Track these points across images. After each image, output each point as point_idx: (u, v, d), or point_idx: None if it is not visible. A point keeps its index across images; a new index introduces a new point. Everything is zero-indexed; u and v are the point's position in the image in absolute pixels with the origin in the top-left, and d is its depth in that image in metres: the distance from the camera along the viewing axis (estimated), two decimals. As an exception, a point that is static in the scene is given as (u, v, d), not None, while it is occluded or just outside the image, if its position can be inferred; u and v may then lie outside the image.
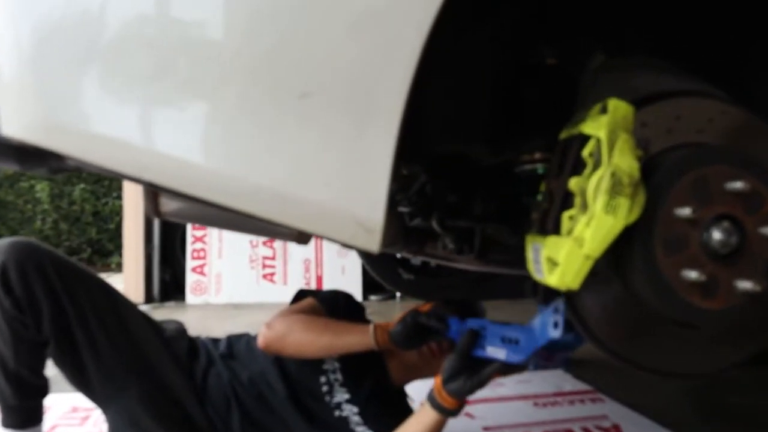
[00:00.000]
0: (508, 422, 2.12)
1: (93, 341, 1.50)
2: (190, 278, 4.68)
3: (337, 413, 1.60)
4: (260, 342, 1.55)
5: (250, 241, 4.71)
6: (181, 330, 1.72)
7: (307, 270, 4.77)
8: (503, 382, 2.66)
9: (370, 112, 0.72)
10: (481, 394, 2.50)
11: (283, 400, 1.58)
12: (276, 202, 0.72)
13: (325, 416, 1.60)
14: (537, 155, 1.17)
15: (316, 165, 0.71)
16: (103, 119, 0.82)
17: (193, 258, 4.69)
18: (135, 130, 0.80)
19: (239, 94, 0.73)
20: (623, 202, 0.82)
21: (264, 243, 4.72)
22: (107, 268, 7.25)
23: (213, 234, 4.69)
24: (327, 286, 4.71)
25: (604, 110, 0.87)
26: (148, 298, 4.66)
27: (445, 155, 1.22)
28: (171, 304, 4.71)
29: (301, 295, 1.76)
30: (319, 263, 4.77)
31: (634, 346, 0.94)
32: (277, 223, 0.76)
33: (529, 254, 0.95)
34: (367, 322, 1.87)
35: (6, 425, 1.52)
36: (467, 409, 2.42)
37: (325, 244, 4.77)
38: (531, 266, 0.95)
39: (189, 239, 4.69)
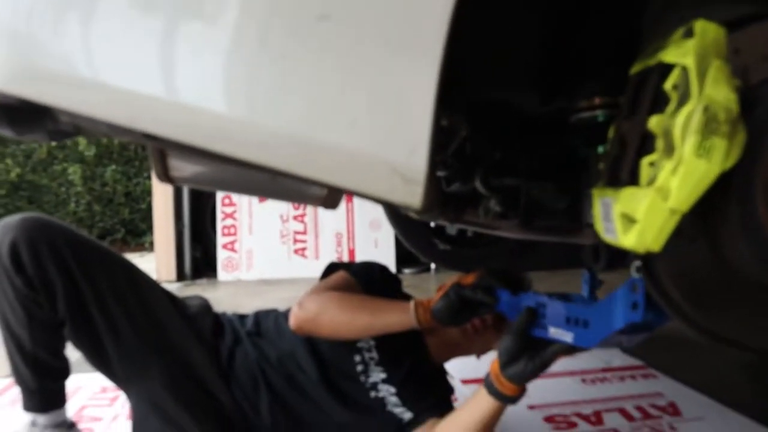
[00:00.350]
0: (555, 400, 1.99)
1: (111, 321, 1.40)
2: (221, 255, 4.62)
3: (373, 394, 1.49)
4: (292, 323, 1.43)
5: (281, 216, 4.61)
6: (205, 306, 1.61)
7: (339, 244, 4.66)
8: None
9: (407, 35, 0.58)
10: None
11: (315, 381, 1.47)
12: (294, 149, 0.59)
13: (360, 397, 1.49)
14: (597, 100, 1.01)
15: (339, 102, 0.58)
16: (89, 62, 0.69)
17: (224, 234, 4.62)
18: (126, 72, 0.67)
19: (243, 20, 0.60)
20: (719, 143, 0.66)
21: (295, 218, 4.63)
22: (141, 248, 7.28)
23: (243, 209, 4.61)
24: (359, 259, 4.59)
25: (689, 34, 0.71)
26: (180, 276, 4.62)
27: (489, 103, 1.07)
28: (203, 281, 4.67)
29: (332, 268, 1.63)
30: (351, 236, 4.66)
31: (727, 322, 0.79)
32: (298, 177, 0.63)
33: (597, 211, 0.80)
34: (405, 297, 1.74)
35: (27, 409, 1.44)
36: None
37: (358, 216, 4.66)
38: (599, 225, 0.80)
39: (219, 215, 4.62)
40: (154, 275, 4.72)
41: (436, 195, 1.70)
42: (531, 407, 1.94)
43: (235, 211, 4.61)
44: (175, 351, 1.45)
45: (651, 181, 0.70)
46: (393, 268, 4.70)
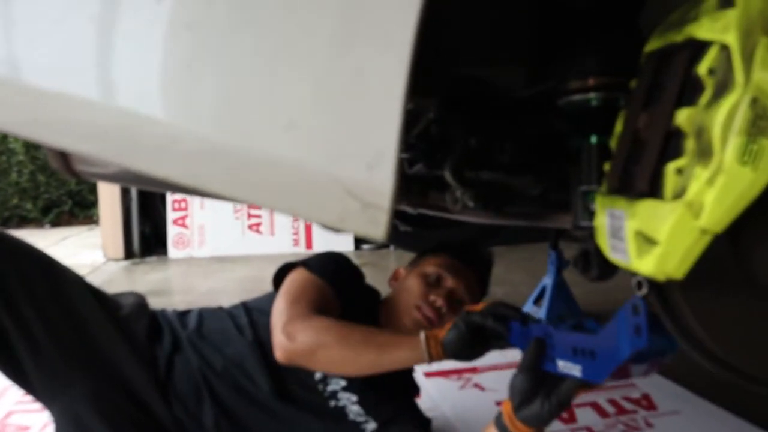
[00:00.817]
0: (525, 393, 1.88)
1: (28, 332, 1.20)
2: (172, 231, 4.38)
3: (332, 403, 1.34)
4: (280, 356, 1.22)
5: (234, 205, 4.40)
6: (140, 306, 1.42)
7: (295, 219, 4.47)
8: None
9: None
10: (490, 359, 2.26)
11: (268, 392, 1.31)
12: (208, 160, 0.41)
13: (318, 408, 1.34)
14: (591, 80, 0.85)
15: (269, 96, 0.40)
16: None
17: (174, 209, 4.38)
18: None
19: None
20: (769, 146, 0.52)
21: (250, 205, 4.42)
22: (90, 221, 6.94)
23: (194, 183, 4.38)
24: (317, 236, 4.42)
25: (727, 2, 0.55)
26: (128, 254, 4.37)
27: (465, 81, 0.90)
28: (152, 258, 4.43)
29: (287, 269, 1.45)
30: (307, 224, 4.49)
31: (759, 359, 0.65)
32: (219, 196, 0.46)
33: (602, 224, 0.65)
34: (370, 290, 1.59)
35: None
36: (475, 378, 2.21)
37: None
38: (604, 241, 0.65)
39: (169, 189, 4.38)
40: (100, 252, 4.48)
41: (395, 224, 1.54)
42: (499, 403, 1.82)
43: (186, 185, 4.37)
44: (104, 362, 1.27)
45: (679, 194, 0.55)
46: (351, 245, 4.57)
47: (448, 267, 1.49)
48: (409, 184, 1.66)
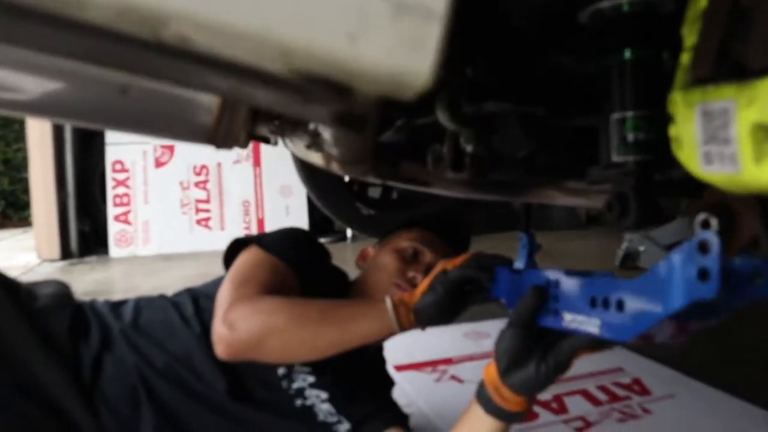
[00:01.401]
0: (507, 384, 1.70)
1: None
2: (114, 228, 4.07)
3: (299, 402, 1.14)
4: (222, 351, 1.01)
5: (181, 183, 4.11)
6: (61, 296, 1.18)
7: (246, 213, 4.22)
8: (490, 333, 2.26)
9: None
10: (466, 349, 2.08)
11: (221, 393, 1.10)
12: None
13: (282, 408, 1.13)
14: (624, -23, 0.68)
15: None
16: None
17: (116, 205, 4.06)
18: None
19: None
20: None
21: (196, 184, 4.14)
22: (25, 223, 6.50)
23: (137, 176, 4.07)
24: (270, 229, 4.17)
25: None
26: (65, 254, 4.03)
27: None
28: (92, 258, 4.10)
29: (238, 246, 1.23)
30: (259, 205, 4.23)
31: None
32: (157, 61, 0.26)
33: (686, 127, 0.47)
34: (337, 270, 1.40)
35: None
36: (451, 370, 2.03)
37: (267, 181, 4.22)
38: (690, 152, 0.46)
39: (109, 183, 4.06)
40: (34, 254, 4.13)
41: (364, 151, 1.35)
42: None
43: (128, 178, 4.06)
44: (9, 361, 1.03)
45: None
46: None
47: (424, 240, 1.31)
48: (381, 152, 1.48)
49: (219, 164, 4.17)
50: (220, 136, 0.65)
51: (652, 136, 0.68)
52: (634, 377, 1.76)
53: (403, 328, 0.97)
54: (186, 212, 4.13)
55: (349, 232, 4.52)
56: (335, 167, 1.55)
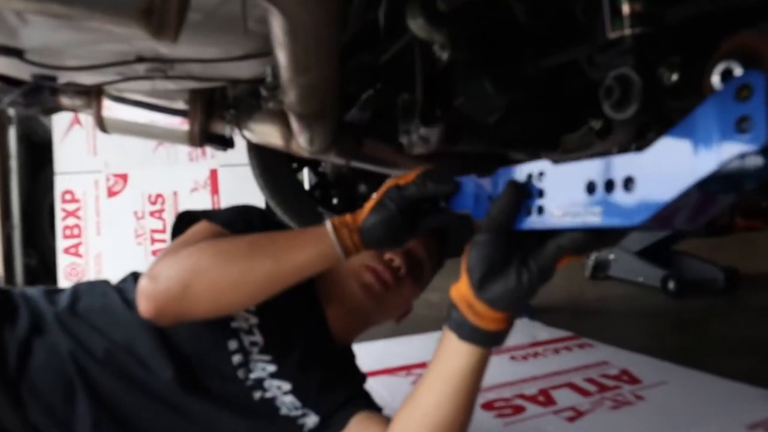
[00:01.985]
0: (488, 383, 1.58)
1: None
2: (63, 261, 3.83)
3: (257, 395, 1.00)
4: (145, 308, 0.88)
5: (135, 212, 3.93)
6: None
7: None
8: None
9: None
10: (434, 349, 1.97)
11: (168, 383, 0.96)
12: None
13: (239, 401, 1.00)
14: None
15: None
16: None
17: (66, 237, 3.84)
18: None
19: None
20: None
21: (152, 213, 3.96)
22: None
23: (89, 206, 3.87)
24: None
25: None
26: (11, 291, 3.79)
27: None
28: (41, 295, 3.86)
29: (185, 220, 1.10)
30: (221, 232, 4.07)
31: None
32: None
33: None
34: None
35: None
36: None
37: (223, 204, 4.08)
38: None
39: (59, 214, 3.85)
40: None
41: (328, 136, 1.25)
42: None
43: (78, 209, 3.86)
44: None
45: None
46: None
47: None
48: (344, 133, 1.39)
49: (175, 193, 4.02)
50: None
51: (652, 7, 0.60)
52: (622, 369, 1.66)
53: (347, 252, 0.85)
54: (141, 243, 3.94)
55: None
56: (295, 146, 1.45)
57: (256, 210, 1.17)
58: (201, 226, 1.03)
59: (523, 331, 2.14)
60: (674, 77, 0.68)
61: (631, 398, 1.44)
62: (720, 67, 0.50)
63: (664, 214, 0.54)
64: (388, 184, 0.84)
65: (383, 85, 1.18)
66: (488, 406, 1.44)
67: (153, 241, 3.97)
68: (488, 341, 0.72)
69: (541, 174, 0.67)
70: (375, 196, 0.85)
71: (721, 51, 0.51)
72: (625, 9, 0.59)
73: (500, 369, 1.73)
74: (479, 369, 0.75)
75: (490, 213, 0.69)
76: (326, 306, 1.13)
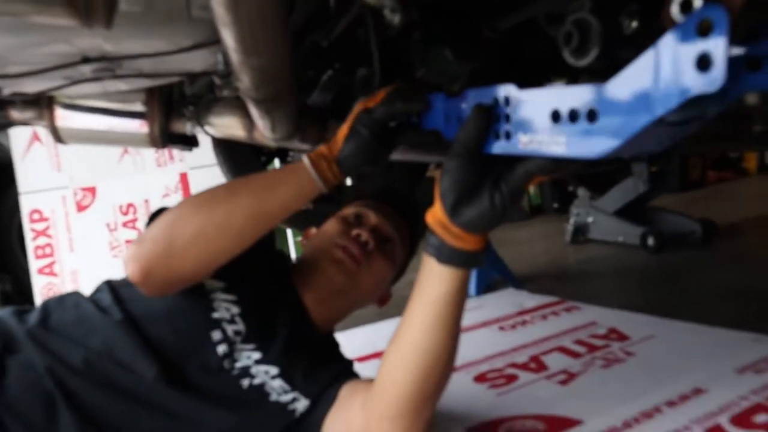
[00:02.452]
0: (479, 355, 1.58)
1: None
2: (39, 282, 3.75)
3: (246, 382, 0.99)
4: (134, 273, 0.88)
5: (107, 225, 3.86)
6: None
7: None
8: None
9: None
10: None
11: (153, 381, 0.93)
12: None
13: (228, 393, 0.98)
14: None
15: None
16: None
17: (38, 257, 3.76)
18: None
19: None
20: None
21: (125, 224, 3.89)
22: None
23: (59, 223, 3.79)
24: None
25: None
26: (-12, 318, 3.70)
27: None
28: (19, 319, 3.77)
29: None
30: (198, 236, 4.02)
31: None
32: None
33: None
34: (282, 255, 1.27)
35: None
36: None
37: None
38: None
39: (28, 235, 3.76)
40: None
41: (290, 121, 1.22)
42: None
43: (48, 227, 3.78)
44: None
45: None
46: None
47: (369, 205, 1.21)
48: (304, 116, 1.36)
49: (146, 201, 3.94)
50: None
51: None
52: (610, 327, 1.67)
53: (327, 183, 0.88)
54: (117, 255, 3.87)
55: (293, 255, 4.34)
56: (258, 135, 1.42)
57: None
58: (177, 204, 1.02)
59: (510, 300, 2.14)
60: (634, 24, 0.68)
61: (622, 355, 1.44)
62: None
63: (627, 146, 0.53)
64: (358, 108, 0.87)
65: (341, 63, 1.15)
66: (481, 378, 1.43)
67: (129, 252, 3.90)
68: (467, 261, 0.75)
69: (507, 99, 0.66)
70: (346, 122, 0.86)
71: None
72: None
73: (490, 340, 1.73)
74: (461, 292, 0.78)
75: (458, 137, 0.70)
76: (304, 293, 1.13)
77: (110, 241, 3.86)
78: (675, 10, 0.49)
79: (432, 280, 0.78)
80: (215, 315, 1.00)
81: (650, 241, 2.85)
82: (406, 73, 1.01)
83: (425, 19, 0.81)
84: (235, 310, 1.01)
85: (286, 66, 0.88)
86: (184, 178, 3.99)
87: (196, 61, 1.13)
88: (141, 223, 3.93)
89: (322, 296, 1.12)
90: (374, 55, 0.85)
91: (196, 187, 3.99)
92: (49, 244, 3.77)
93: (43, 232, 3.77)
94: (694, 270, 2.48)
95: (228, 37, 0.73)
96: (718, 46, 0.44)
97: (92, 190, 3.84)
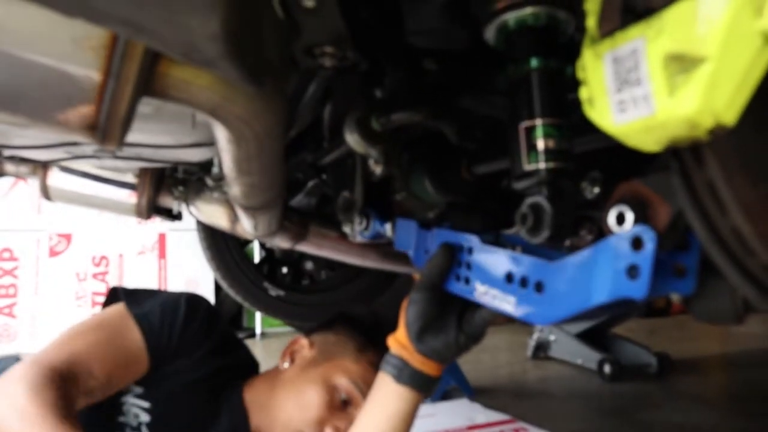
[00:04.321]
0: (422, 468, 1.59)
1: None
2: (-5, 322, 3.70)
3: None
4: None
5: (77, 274, 3.84)
6: None
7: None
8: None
9: None
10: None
11: None
12: None
13: None
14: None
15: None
16: None
17: (0, 296, 3.72)
18: None
19: None
20: None
21: (95, 275, 3.88)
22: None
23: (28, 266, 3.77)
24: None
25: None
26: (-65, 352, 3.60)
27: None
28: (-33, 357, 3.68)
29: (113, 297, 1.11)
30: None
31: None
32: None
33: (596, 80, 0.45)
34: (249, 361, 1.21)
35: None
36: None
37: (173, 273, 4.01)
38: (602, 107, 0.44)
39: (-6, 273, 3.73)
40: None
41: (273, 222, 1.28)
42: None
43: (16, 267, 3.75)
44: None
45: (730, -20, 0.36)
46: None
47: (364, 379, 1.08)
48: (289, 218, 1.43)
49: (121, 255, 3.95)
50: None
51: (563, 145, 0.67)
52: None
53: None
54: (81, 305, 3.83)
55: (258, 329, 4.32)
56: (240, 229, 1.48)
57: (191, 301, 1.13)
58: (115, 314, 1.02)
59: (462, 412, 2.16)
60: (596, 190, 0.77)
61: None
62: (615, 211, 0.56)
63: (565, 320, 0.61)
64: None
65: (328, 176, 1.23)
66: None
67: (94, 304, 3.87)
68: (425, 385, 0.81)
69: (470, 249, 0.74)
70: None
71: (615, 195, 0.58)
72: (540, 145, 0.66)
73: (436, 453, 1.74)
74: (413, 414, 0.83)
75: (424, 271, 0.77)
76: (253, 421, 1.09)
77: (77, 291, 3.84)
78: (611, 221, 0.57)
79: (388, 398, 0.83)
80: (120, 419, 0.98)
81: (607, 368, 2.89)
82: (385, 199, 1.09)
83: (405, 171, 0.89)
84: (144, 417, 0.99)
85: (276, 183, 0.96)
86: (162, 238, 4.03)
87: (195, 155, 1.20)
88: (111, 277, 3.92)
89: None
90: (357, 187, 0.93)
91: (172, 249, 4.01)
92: (13, 285, 3.73)
93: (10, 272, 3.74)
94: (644, 404, 2.52)
95: (225, 160, 0.80)
96: (646, 260, 0.52)
97: (68, 237, 3.85)
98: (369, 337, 1.15)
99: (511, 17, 0.69)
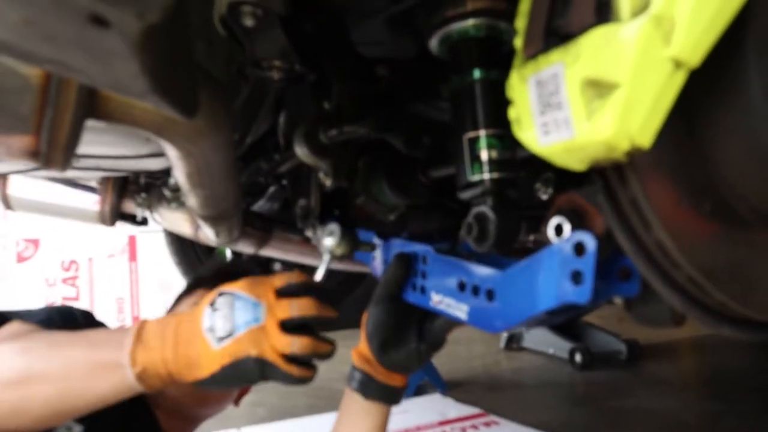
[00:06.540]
0: (394, 465, 1.61)
1: None
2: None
3: None
4: None
5: (46, 280, 3.79)
6: None
7: (120, 311, 3.92)
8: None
9: None
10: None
11: None
12: None
13: None
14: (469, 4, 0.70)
15: None
16: None
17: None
18: None
19: None
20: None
21: (64, 281, 3.83)
22: None
23: (-6, 273, 3.71)
24: (149, 328, 3.88)
25: None
26: None
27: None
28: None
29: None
30: (135, 301, 3.95)
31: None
32: None
33: (523, 102, 0.46)
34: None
35: None
36: None
37: (144, 276, 3.97)
38: (529, 129, 0.45)
39: (-40, 281, 3.67)
40: None
41: (234, 229, 1.27)
42: None
43: (-17, 275, 3.69)
44: None
45: (640, 9, 0.38)
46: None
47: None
48: (250, 223, 1.43)
49: (90, 259, 3.90)
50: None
51: (506, 155, 0.68)
52: None
53: (149, 385, 0.73)
54: (50, 311, 3.78)
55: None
56: (203, 236, 1.48)
57: (78, 311, 1.11)
58: (12, 327, 0.89)
59: (434, 407, 2.18)
60: (550, 191, 0.79)
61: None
62: (553, 222, 0.58)
63: (516, 327, 0.63)
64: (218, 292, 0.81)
65: (287, 183, 1.23)
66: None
67: (63, 309, 3.82)
68: (392, 397, 0.82)
69: (425, 258, 0.76)
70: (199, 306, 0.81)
71: (554, 207, 0.59)
72: (484, 156, 0.67)
73: (408, 449, 1.76)
74: (385, 424, 0.83)
75: (381, 282, 0.78)
76: (155, 407, 1.08)
77: (47, 297, 3.78)
78: (550, 232, 0.58)
79: (359, 416, 0.83)
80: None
81: (578, 357, 2.94)
82: (343, 202, 1.09)
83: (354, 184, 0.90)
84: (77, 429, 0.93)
85: (230, 193, 0.96)
86: (132, 240, 3.98)
87: (155, 164, 1.20)
88: (82, 281, 3.87)
89: (173, 413, 1.07)
90: (313, 195, 0.93)
91: (143, 251, 3.97)
92: (-19, 296, 3.66)
93: (-24, 280, 3.67)
94: (615, 391, 2.57)
95: (178, 174, 0.80)
96: (588, 266, 0.53)
97: (35, 242, 3.79)
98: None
99: (453, 29, 0.70)
